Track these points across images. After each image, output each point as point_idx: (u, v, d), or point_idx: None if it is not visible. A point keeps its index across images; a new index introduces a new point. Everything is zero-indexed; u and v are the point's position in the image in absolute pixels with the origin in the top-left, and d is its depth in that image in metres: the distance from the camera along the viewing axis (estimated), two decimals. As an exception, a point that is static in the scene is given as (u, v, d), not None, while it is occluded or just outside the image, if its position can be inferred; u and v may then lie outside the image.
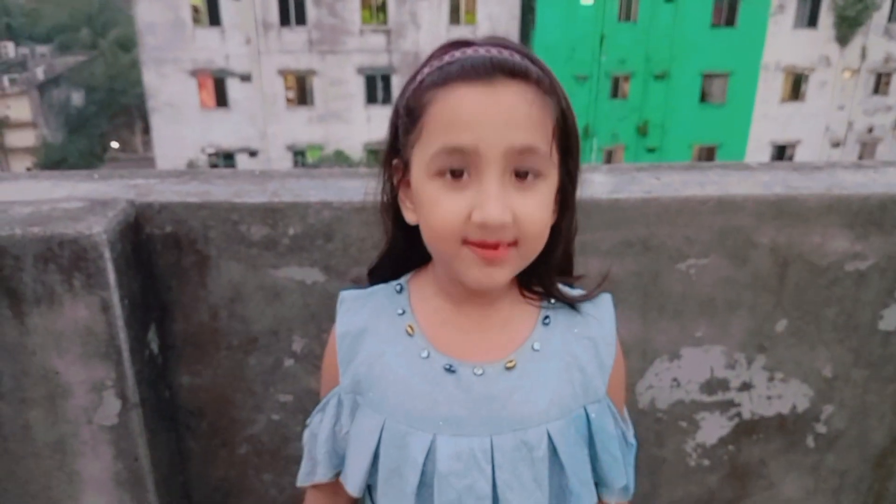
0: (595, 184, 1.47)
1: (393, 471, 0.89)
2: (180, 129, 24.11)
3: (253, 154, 24.69)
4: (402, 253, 0.93)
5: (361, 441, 0.91)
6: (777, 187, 1.49)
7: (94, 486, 1.41)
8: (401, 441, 0.88)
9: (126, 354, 1.32)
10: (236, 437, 1.56)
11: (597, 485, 0.94)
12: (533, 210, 0.80)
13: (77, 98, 37.70)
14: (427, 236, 0.84)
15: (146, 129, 29.18)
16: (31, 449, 1.37)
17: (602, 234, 1.43)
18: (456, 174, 0.79)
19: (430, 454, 0.86)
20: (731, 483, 1.72)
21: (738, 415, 1.64)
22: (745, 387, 1.61)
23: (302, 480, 1.02)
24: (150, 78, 24.02)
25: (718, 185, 1.49)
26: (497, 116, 0.77)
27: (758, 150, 24.33)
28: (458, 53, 0.80)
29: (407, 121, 0.83)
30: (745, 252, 1.49)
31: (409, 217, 0.88)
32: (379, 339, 0.92)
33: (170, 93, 23.93)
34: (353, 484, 0.93)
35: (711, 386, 1.60)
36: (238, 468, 1.59)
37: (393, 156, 0.88)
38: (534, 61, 0.81)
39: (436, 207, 0.80)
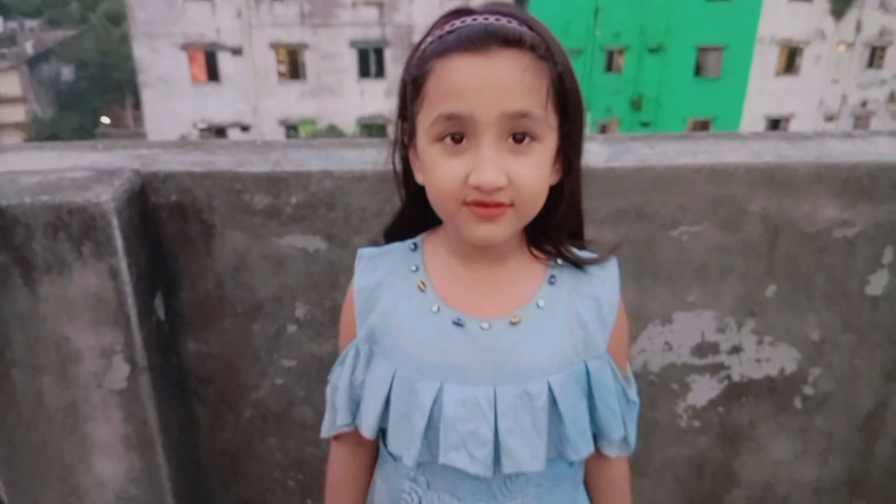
0: (590, 153, 1.49)
1: (403, 414, 0.94)
2: (171, 103, 23.95)
3: (245, 129, 24.57)
4: (417, 214, 0.97)
5: (375, 387, 0.96)
6: (768, 156, 1.52)
7: (105, 449, 1.46)
8: (410, 387, 0.93)
9: (134, 320, 1.35)
10: (242, 402, 1.61)
11: (597, 437, 1.00)
12: (528, 172, 0.84)
13: (67, 73, 37.35)
14: (431, 197, 0.89)
15: (137, 105, 28.95)
16: (44, 414, 1.41)
17: (597, 202, 1.47)
18: (455, 139, 0.83)
19: (437, 400, 0.92)
20: (721, 444, 1.78)
21: (728, 377, 1.69)
22: (735, 350, 1.66)
23: (326, 431, 1.07)
24: (140, 52, 23.80)
25: (711, 153, 1.53)
26: (491, 84, 0.80)
27: (752, 123, 24.31)
28: (457, 22, 0.84)
29: (412, 88, 0.87)
30: (736, 220, 1.52)
31: (419, 177, 0.92)
32: (394, 293, 0.97)
33: (161, 67, 23.72)
34: (367, 426, 0.98)
35: (702, 349, 1.65)
36: (244, 432, 1.64)
37: (403, 120, 0.91)
38: (531, 26, 0.84)
39: (436, 170, 0.85)
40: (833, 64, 24.68)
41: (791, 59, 24.58)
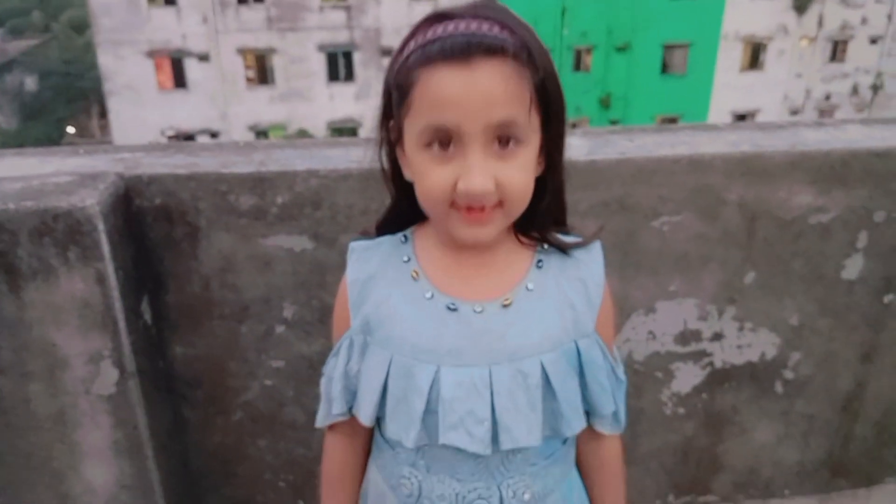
0: (571, 147, 1.51)
1: (400, 399, 0.96)
2: (138, 111, 23.68)
3: (214, 135, 24.34)
4: (407, 208, 0.99)
5: (371, 375, 0.98)
6: (744, 146, 1.55)
7: (95, 455, 1.45)
8: (407, 372, 0.95)
9: (122, 325, 1.35)
10: (231, 405, 1.60)
11: (589, 414, 1.02)
12: (514, 176, 0.87)
13: (31, 83, 36.71)
14: (420, 199, 0.92)
15: (103, 113, 28.57)
16: (32, 422, 1.40)
17: (580, 195, 1.49)
18: (443, 145, 0.86)
19: (434, 383, 0.94)
20: (706, 431, 1.81)
21: (711, 364, 1.72)
22: (717, 337, 1.69)
23: (321, 421, 1.08)
24: (105, 60, 23.51)
25: (689, 144, 1.56)
26: (476, 96, 0.82)
27: (718, 119, 24.60)
28: (440, 29, 0.85)
29: (397, 95, 0.89)
30: (715, 208, 1.56)
31: (407, 174, 0.94)
32: (387, 283, 0.99)
33: (127, 75, 23.45)
34: (364, 414, 1.00)
35: (685, 337, 1.68)
36: (234, 435, 1.63)
37: (388, 119, 0.93)
38: (513, 30, 0.85)
39: (425, 178, 0.88)
40: (796, 59, 25.11)
41: (755, 55, 24.97)
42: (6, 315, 1.31)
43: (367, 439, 1.10)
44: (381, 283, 0.99)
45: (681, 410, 1.77)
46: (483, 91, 0.82)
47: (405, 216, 1.01)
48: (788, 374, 1.77)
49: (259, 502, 1.72)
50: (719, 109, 24.74)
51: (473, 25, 0.84)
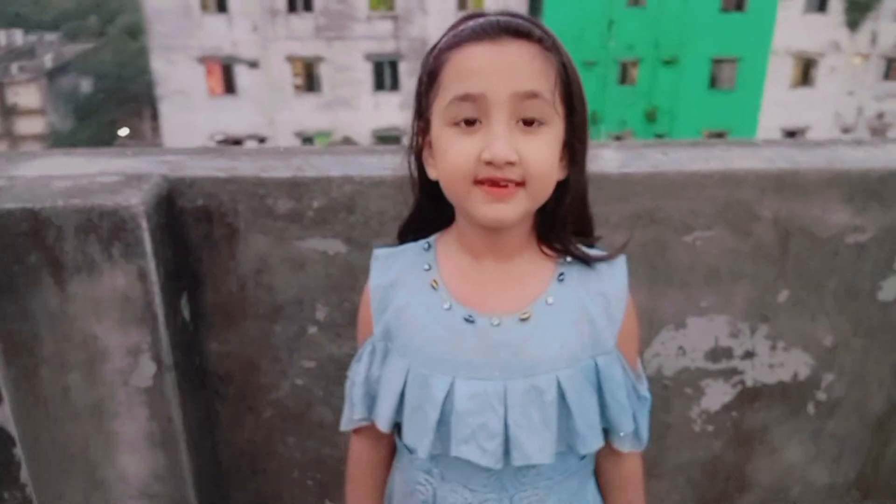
0: (605, 159, 1.54)
1: (416, 408, 0.98)
2: (189, 115, 24.20)
3: (261, 141, 24.75)
4: (429, 211, 1.01)
5: (390, 382, 1.00)
6: (779, 162, 1.55)
7: (130, 446, 1.49)
8: (423, 382, 0.97)
9: (161, 320, 1.40)
10: (262, 402, 1.64)
11: (607, 432, 1.02)
12: (538, 151, 0.88)
13: (85, 85, 37.83)
14: (443, 180, 0.93)
15: (154, 116, 29.31)
16: (70, 411, 1.45)
17: (612, 207, 1.50)
18: (469, 122, 0.88)
19: (449, 395, 0.95)
20: (734, 448, 1.79)
21: (742, 382, 1.71)
22: (749, 355, 1.68)
23: (345, 425, 1.11)
24: (158, 65, 24.11)
25: (722, 159, 1.55)
26: (502, 67, 0.86)
27: (767, 135, 24.19)
28: (471, 22, 0.90)
29: (427, 82, 0.93)
30: (748, 224, 1.55)
31: (431, 173, 0.96)
32: (407, 291, 1.00)
33: (178, 80, 24.00)
34: (382, 420, 1.02)
35: (716, 354, 1.67)
36: (264, 432, 1.67)
37: (419, 118, 0.96)
38: (538, 25, 0.90)
39: (450, 151, 0.89)
40: (849, 76, 24.59)
41: (806, 71, 24.53)
42: (50, 307, 1.36)
43: (392, 443, 1.12)
44: (402, 290, 1.00)
45: (710, 427, 1.76)
46: (510, 63, 0.86)
47: (427, 221, 1.03)
48: (821, 396, 1.74)
49: (286, 499, 1.76)
50: (768, 126, 24.33)
51: (502, 17, 0.89)
